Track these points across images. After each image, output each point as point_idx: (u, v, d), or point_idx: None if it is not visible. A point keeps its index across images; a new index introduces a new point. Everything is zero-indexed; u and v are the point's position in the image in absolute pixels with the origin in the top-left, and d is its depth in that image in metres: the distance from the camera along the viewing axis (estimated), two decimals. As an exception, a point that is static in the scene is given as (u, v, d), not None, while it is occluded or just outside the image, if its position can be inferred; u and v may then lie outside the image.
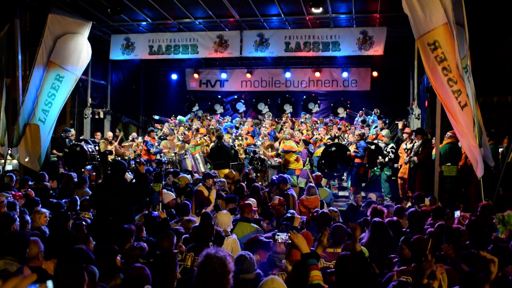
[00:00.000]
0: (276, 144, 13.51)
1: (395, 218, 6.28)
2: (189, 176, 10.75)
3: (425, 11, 8.59)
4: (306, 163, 12.71)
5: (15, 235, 4.24)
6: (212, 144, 13.54)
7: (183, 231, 5.60)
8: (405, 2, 8.85)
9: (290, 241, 3.80)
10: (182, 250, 5.09)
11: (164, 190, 8.48)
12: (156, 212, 7.25)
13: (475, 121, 8.50)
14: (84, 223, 6.61)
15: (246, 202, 6.85)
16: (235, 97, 19.30)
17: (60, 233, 5.33)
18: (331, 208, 7.63)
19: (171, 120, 17.18)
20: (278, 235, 3.98)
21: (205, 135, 14.77)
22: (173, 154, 13.19)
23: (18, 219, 5.58)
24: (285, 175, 9.41)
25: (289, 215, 6.82)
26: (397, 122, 15.32)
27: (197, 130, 15.58)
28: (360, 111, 16.49)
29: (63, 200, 8.30)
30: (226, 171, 11.87)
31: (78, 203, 7.99)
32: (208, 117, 17.26)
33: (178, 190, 9.83)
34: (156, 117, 18.10)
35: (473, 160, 8.66)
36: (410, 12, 8.78)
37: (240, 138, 14.25)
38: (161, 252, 4.25)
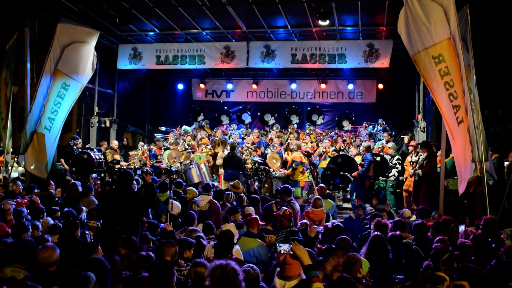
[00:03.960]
0: (278, 156, 13.49)
1: (397, 232, 6.25)
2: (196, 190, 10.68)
3: (431, 23, 8.61)
4: (308, 174, 12.71)
5: (22, 243, 4.28)
6: (222, 153, 13.52)
7: (193, 242, 5.58)
8: (405, 16, 8.86)
9: (292, 252, 3.79)
10: (181, 264, 5.12)
11: (172, 201, 8.44)
12: (163, 225, 7.23)
13: (478, 135, 8.46)
14: (87, 232, 6.65)
15: (253, 216, 6.82)
16: (241, 107, 19.33)
17: (69, 241, 5.37)
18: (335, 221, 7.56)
19: (176, 131, 17.19)
20: (280, 246, 3.94)
21: (207, 145, 14.75)
22: (179, 164, 13.18)
23: (31, 229, 5.67)
24: (289, 186, 9.37)
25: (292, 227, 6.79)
26: (403, 136, 15.28)
27: (201, 139, 15.59)
28: (365, 123, 16.50)
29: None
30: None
31: (84, 212, 8.05)
32: (214, 129, 17.20)
33: (184, 202, 9.76)
34: (163, 128, 18.12)
35: (459, 176, 8.66)
36: (413, 24, 8.79)
37: (248, 149, 14.21)
38: (159, 262, 4.27)
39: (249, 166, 13.38)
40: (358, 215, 9.34)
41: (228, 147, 13.27)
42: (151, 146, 14.99)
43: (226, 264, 3.24)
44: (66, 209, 8.01)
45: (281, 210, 7.38)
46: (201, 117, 19.18)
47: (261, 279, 4.45)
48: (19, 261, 4.01)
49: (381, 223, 6.50)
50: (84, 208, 8.33)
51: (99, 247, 5.02)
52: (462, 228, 6.25)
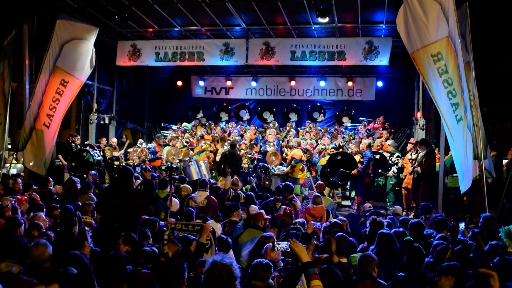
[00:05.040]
0: (278, 153, 13.49)
1: (401, 229, 6.23)
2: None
3: (430, 21, 8.62)
4: (305, 171, 12.72)
5: (14, 240, 4.30)
6: (222, 149, 13.50)
7: (193, 238, 5.58)
8: (404, 14, 8.86)
9: (289, 250, 3.79)
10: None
11: (171, 197, 8.43)
12: (163, 222, 7.23)
13: (477, 133, 8.47)
14: (87, 228, 6.64)
15: (259, 211, 6.85)
16: (239, 104, 19.29)
17: (65, 238, 5.37)
18: (340, 217, 7.56)
19: (176, 127, 17.17)
20: (278, 244, 3.94)
21: (211, 142, 14.75)
22: (178, 161, 13.18)
23: (23, 224, 5.66)
24: (290, 183, 9.37)
25: (296, 225, 6.80)
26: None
27: (202, 137, 15.58)
28: (363, 121, 16.50)
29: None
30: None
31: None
32: (213, 126, 17.23)
33: (180, 198, 9.76)
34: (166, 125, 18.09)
35: (460, 174, 8.67)
36: (412, 22, 8.80)
37: (246, 146, 14.21)
38: (170, 258, 4.23)
39: (246, 166, 13.39)
40: (360, 212, 9.33)
41: (228, 144, 13.25)
42: (153, 143, 14.98)
43: (219, 262, 3.22)
44: (66, 205, 8.01)
45: (281, 210, 7.38)
46: (200, 114, 19.17)
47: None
48: (12, 257, 4.04)
49: (376, 221, 6.49)
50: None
51: (86, 242, 5.00)
52: (462, 225, 6.24)
